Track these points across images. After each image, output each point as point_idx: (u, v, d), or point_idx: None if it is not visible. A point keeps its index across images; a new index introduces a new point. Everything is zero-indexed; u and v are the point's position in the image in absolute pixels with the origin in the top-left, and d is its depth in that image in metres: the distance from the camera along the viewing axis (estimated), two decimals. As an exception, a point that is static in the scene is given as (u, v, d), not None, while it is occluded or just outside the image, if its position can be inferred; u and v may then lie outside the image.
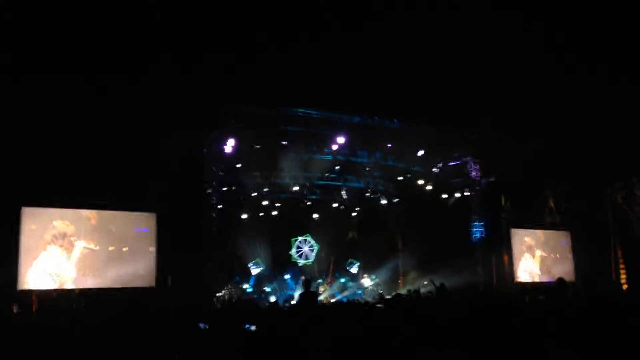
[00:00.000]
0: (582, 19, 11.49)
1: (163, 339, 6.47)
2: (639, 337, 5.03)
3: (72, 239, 12.76)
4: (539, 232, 18.78)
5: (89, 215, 13.20)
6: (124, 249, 13.37)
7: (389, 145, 15.78)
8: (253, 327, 6.62)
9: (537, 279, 17.89)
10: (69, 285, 12.53)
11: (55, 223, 12.70)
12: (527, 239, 18.48)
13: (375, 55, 11.81)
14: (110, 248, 13.22)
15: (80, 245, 12.83)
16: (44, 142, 11.80)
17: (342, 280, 20.15)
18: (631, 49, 12.11)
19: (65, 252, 12.66)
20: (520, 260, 18.02)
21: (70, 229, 12.82)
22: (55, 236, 12.60)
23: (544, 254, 18.56)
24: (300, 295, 8.34)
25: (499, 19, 11.09)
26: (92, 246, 12.98)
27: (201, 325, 6.48)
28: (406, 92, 12.45)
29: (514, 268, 17.70)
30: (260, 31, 11.03)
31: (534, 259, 18.31)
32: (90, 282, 12.77)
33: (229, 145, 13.84)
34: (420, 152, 15.85)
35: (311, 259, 20.39)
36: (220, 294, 15.67)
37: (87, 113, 11.63)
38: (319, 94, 12.71)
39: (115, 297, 12.45)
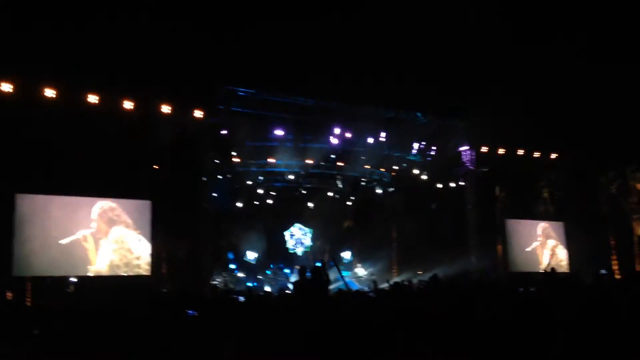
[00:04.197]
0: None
1: (155, 325, 6.51)
2: (628, 328, 5.06)
3: (66, 226, 12.78)
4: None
5: (83, 202, 13.19)
6: (119, 237, 13.38)
7: (384, 134, 15.74)
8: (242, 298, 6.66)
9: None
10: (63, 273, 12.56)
11: (50, 210, 12.71)
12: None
13: (368, 42, 11.74)
14: (105, 236, 13.23)
15: (75, 233, 12.83)
16: (38, 130, 11.73)
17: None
18: (629, 39, 12.08)
19: (61, 239, 12.67)
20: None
21: (65, 215, 12.83)
22: (49, 223, 12.62)
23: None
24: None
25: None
26: (86, 233, 12.98)
27: (190, 312, 6.51)
28: (400, 80, 12.41)
29: (511, 258, 17.81)
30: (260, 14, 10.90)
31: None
32: (84, 270, 12.81)
33: (225, 133, 13.83)
34: (414, 143, 15.81)
35: (307, 248, 20.43)
36: (215, 282, 15.71)
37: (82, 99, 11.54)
38: (314, 81, 12.65)
39: (110, 285, 12.47)
